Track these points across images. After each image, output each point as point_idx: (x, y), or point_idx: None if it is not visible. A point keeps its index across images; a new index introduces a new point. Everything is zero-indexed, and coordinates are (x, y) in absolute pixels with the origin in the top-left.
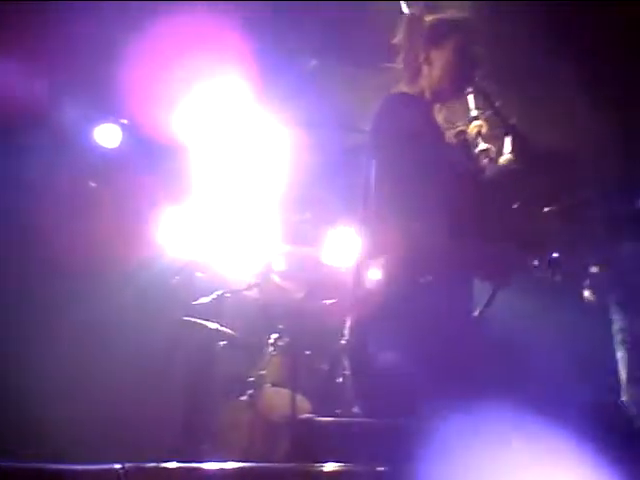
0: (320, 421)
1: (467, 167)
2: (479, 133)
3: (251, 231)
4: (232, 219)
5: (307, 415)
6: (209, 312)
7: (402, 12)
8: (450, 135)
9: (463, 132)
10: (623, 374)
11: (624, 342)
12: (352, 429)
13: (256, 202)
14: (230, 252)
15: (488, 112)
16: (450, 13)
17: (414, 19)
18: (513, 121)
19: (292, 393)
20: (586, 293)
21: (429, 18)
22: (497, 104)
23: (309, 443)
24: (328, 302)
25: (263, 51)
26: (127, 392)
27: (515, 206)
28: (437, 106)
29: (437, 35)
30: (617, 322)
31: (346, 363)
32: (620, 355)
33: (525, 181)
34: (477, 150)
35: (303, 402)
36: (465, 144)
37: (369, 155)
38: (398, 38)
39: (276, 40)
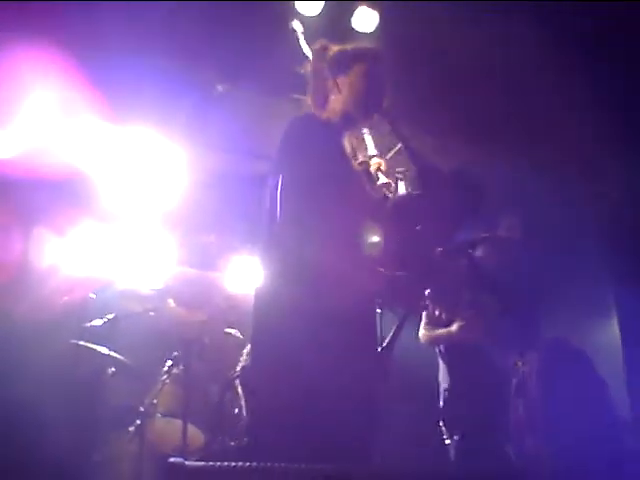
0: (189, 466)
1: (372, 194)
2: (379, 169)
3: (149, 253)
4: (130, 240)
5: (175, 460)
6: (100, 336)
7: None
8: (355, 164)
9: (365, 163)
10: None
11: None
12: (223, 476)
13: (155, 224)
14: (127, 274)
15: (395, 142)
16: (357, 44)
17: (321, 50)
18: (415, 146)
19: (184, 424)
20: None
21: (335, 48)
22: (404, 132)
23: None
24: (227, 330)
25: (167, 74)
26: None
27: (417, 229)
28: (346, 134)
29: (344, 63)
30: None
31: (240, 392)
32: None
33: (429, 209)
34: (379, 183)
35: (195, 433)
36: (368, 174)
37: (275, 174)
38: (306, 68)
39: (182, 64)
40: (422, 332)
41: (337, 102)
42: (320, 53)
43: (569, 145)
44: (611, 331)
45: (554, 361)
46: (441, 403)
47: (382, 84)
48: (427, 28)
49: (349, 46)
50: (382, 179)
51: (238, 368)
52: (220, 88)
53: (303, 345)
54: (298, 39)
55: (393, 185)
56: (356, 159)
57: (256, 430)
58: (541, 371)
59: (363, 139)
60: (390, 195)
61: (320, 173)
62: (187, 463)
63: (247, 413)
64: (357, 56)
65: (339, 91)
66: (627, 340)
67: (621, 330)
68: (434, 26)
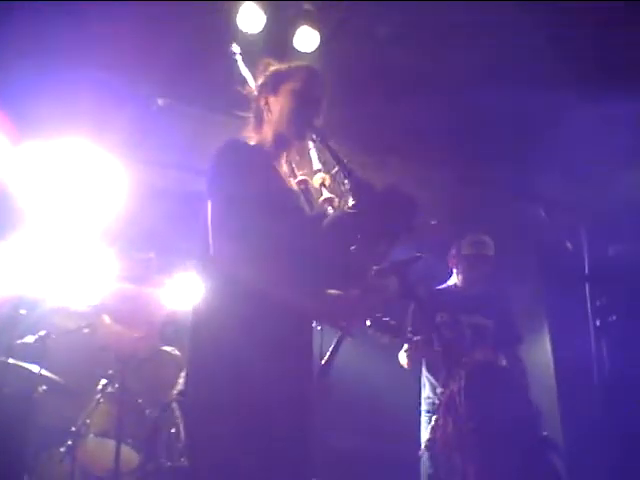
0: None
1: (306, 212)
2: (323, 184)
3: (84, 268)
4: (64, 255)
5: None
6: (32, 353)
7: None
8: (293, 183)
9: (304, 181)
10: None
11: (428, 409)
12: None
13: (90, 239)
14: (60, 290)
15: (330, 160)
16: (295, 63)
17: (262, 70)
18: (351, 166)
19: (117, 444)
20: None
21: (272, 67)
22: (336, 149)
23: None
24: (165, 348)
25: (105, 85)
26: None
27: (352, 249)
28: (283, 155)
29: (275, 81)
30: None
31: (178, 413)
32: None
33: (362, 224)
34: (321, 199)
35: (129, 454)
36: (307, 192)
37: (206, 197)
38: (248, 88)
39: (121, 76)
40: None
41: (269, 124)
42: (262, 72)
43: (503, 157)
44: (543, 346)
45: (480, 379)
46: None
47: (313, 102)
48: (368, 46)
49: (285, 65)
50: (325, 194)
51: (176, 390)
52: (160, 102)
53: (243, 364)
54: (236, 61)
55: (337, 200)
56: (294, 177)
57: (195, 452)
58: (468, 389)
59: (306, 155)
60: (333, 210)
61: (253, 193)
62: None
63: (185, 435)
64: (286, 75)
65: (270, 112)
66: (559, 354)
67: (553, 344)
68: (375, 45)
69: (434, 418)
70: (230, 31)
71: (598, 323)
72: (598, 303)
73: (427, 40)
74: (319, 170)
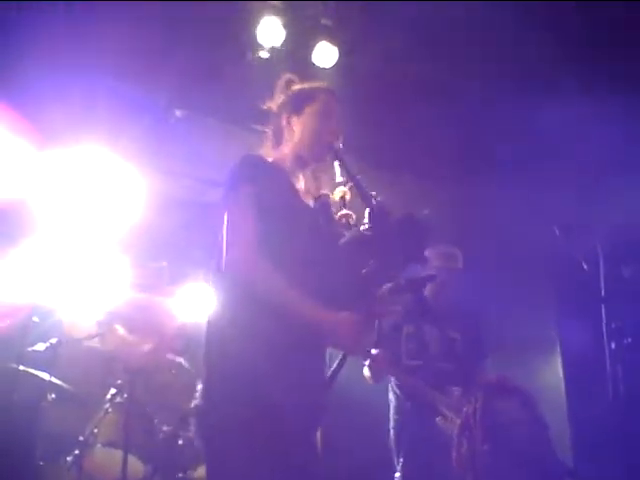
0: None
1: (323, 229)
2: (343, 199)
3: (97, 277)
4: (77, 263)
5: None
6: (42, 361)
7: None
8: (310, 199)
9: (325, 195)
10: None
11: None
12: None
13: (104, 247)
14: (72, 298)
15: (349, 182)
16: (316, 83)
17: (284, 86)
18: (370, 190)
19: (124, 455)
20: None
21: (295, 87)
22: (356, 174)
23: None
24: (175, 359)
25: (123, 95)
26: None
27: (364, 271)
28: (300, 173)
29: (298, 102)
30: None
31: (193, 427)
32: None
33: (375, 247)
34: (339, 214)
35: (136, 465)
36: (326, 207)
37: (222, 208)
38: (269, 103)
39: (140, 87)
40: None
41: (289, 143)
42: (283, 89)
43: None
44: (554, 368)
45: (495, 399)
46: None
47: (334, 123)
48: (386, 61)
49: (305, 85)
50: (343, 210)
51: (192, 404)
52: (178, 113)
53: (257, 378)
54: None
55: (354, 217)
56: (311, 194)
57: (212, 467)
58: (484, 409)
59: (325, 171)
60: (348, 227)
61: (267, 209)
62: None
63: (207, 454)
64: (310, 95)
65: (293, 132)
66: (569, 376)
67: (564, 366)
68: (392, 59)
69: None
70: (250, 44)
71: (613, 346)
72: (613, 325)
73: (444, 55)
74: (340, 183)
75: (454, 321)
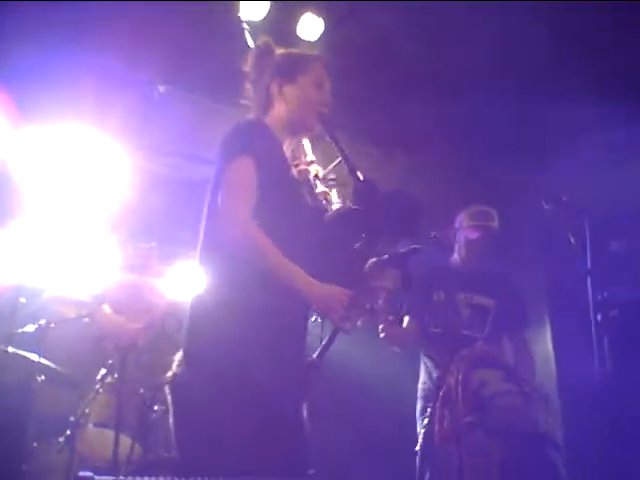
0: None
1: (308, 202)
2: (316, 176)
3: (85, 257)
4: (65, 243)
5: (84, 474)
6: (31, 342)
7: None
8: (295, 172)
9: (305, 171)
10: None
11: (423, 396)
12: None
13: (92, 227)
14: (61, 278)
15: (327, 153)
16: (302, 50)
17: (264, 52)
18: (353, 161)
19: (116, 435)
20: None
21: (281, 52)
22: (344, 148)
23: None
24: (165, 338)
25: (106, 71)
26: None
27: (356, 246)
28: (287, 141)
29: (290, 69)
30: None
31: (169, 398)
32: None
33: (365, 223)
34: (317, 191)
35: (128, 444)
36: (308, 182)
37: (216, 171)
38: (248, 70)
39: (122, 63)
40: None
41: (281, 111)
42: (264, 53)
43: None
44: (545, 340)
45: (478, 370)
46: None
47: (326, 94)
48: (372, 35)
49: (295, 51)
50: (320, 187)
51: (168, 374)
52: (162, 89)
53: (240, 351)
54: (244, 31)
55: (330, 194)
56: (296, 166)
57: (187, 444)
58: (466, 382)
59: (301, 144)
60: (327, 204)
61: (264, 180)
62: (96, 478)
63: (175, 424)
64: (303, 64)
65: (284, 100)
66: (559, 349)
67: (553, 339)
68: (379, 33)
69: (429, 409)
70: (233, 18)
71: (599, 317)
72: (599, 297)
73: (434, 31)
74: (312, 162)
75: (488, 285)
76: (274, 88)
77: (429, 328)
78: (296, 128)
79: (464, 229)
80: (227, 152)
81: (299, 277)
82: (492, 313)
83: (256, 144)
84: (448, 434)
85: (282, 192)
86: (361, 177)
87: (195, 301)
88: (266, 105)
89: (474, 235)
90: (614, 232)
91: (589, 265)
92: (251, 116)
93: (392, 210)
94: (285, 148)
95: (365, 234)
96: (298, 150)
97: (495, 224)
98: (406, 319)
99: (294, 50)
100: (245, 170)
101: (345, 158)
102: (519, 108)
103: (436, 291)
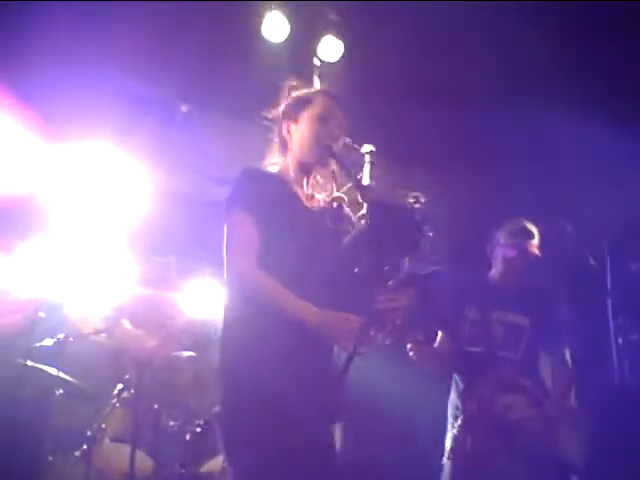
0: None
1: (328, 230)
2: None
3: (104, 272)
4: (85, 258)
5: None
6: (50, 356)
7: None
8: (320, 200)
9: (339, 198)
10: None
11: (452, 414)
12: None
13: (111, 242)
14: (80, 293)
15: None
16: (314, 87)
17: (286, 93)
18: (372, 192)
19: (132, 450)
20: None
21: (294, 93)
22: (358, 176)
23: None
24: (182, 354)
25: (130, 91)
26: None
27: (357, 270)
28: (305, 179)
29: (295, 109)
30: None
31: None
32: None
33: (372, 244)
34: (358, 215)
35: (144, 460)
36: (338, 210)
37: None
38: (273, 112)
39: (146, 82)
40: None
41: (294, 152)
42: (285, 96)
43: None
44: None
45: (503, 395)
46: None
47: (333, 126)
48: (391, 56)
49: (300, 91)
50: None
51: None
52: (184, 109)
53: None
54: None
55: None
56: (318, 198)
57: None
58: (489, 410)
59: (333, 174)
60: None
61: (266, 219)
62: None
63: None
64: (305, 102)
65: (293, 141)
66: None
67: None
68: (398, 55)
69: (456, 426)
70: (255, 39)
71: (620, 341)
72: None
73: (451, 50)
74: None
75: (523, 303)
76: (284, 131)
77: (462, 346)
78: (307, 166)
79: (502, 246)
80: (225, 207)
81: (304, 310)
82: (527, 332)
83: (249, 194)
84: (470, 458)
85: (284, 230)
86: (371, 198)
87: (223, 323)
88: (283, 147)
89: (512, 254)
90: (635, 253)
91: (609, 287)
92: (273, 156)
93: (396, 229)
94: (305, 184)
95: (368, 255)
96: (328, 179)
97: (534, 242)
98: (439, 335)
99: (300, 89)
100: (238, 225)
101: (356, 184)
102: (533, 123)
103: (468, 306)
